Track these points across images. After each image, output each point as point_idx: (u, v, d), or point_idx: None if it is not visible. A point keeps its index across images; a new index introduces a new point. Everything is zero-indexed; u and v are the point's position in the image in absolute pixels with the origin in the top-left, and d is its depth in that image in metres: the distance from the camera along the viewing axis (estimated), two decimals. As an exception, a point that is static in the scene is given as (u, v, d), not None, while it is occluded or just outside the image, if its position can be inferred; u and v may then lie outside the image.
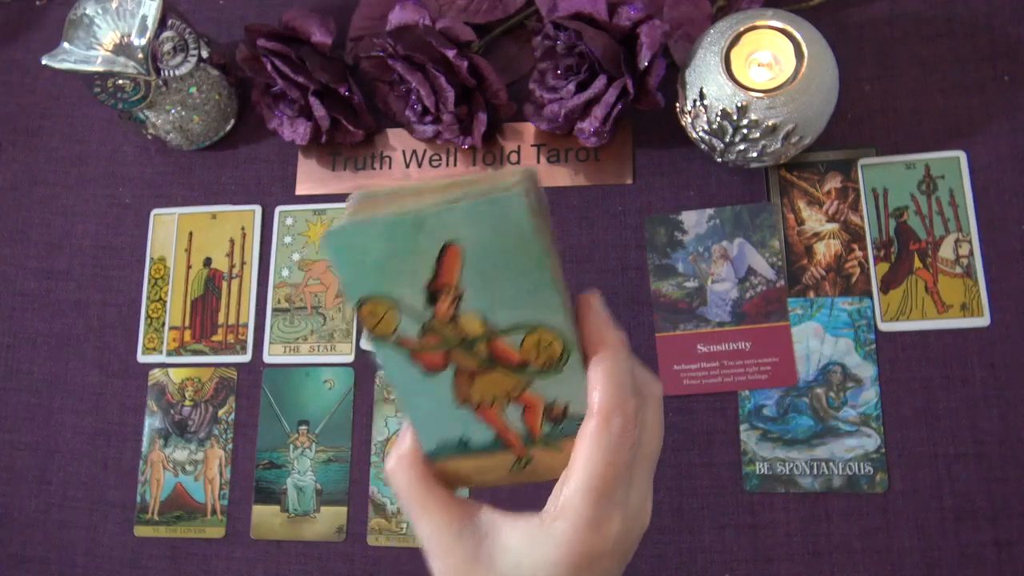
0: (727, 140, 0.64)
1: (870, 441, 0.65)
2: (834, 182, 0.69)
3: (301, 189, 0.77)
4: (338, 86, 0.71)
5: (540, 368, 0.35)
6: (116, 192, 0.79)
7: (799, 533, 0.64)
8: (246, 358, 0.74)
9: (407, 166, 0.76)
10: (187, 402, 0.74)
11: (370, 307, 0.34)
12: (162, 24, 0.70)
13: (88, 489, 0.73)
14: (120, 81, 0.70)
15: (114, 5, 0.69)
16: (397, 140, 0.76)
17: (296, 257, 0.75)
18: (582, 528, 0.35)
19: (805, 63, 0.61)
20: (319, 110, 0.71)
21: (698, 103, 0.64)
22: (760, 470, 0.65)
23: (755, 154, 0.65)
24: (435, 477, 0.39)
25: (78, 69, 0.68)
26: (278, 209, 0.76)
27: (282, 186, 0.77)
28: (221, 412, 0.73)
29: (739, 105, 0.62)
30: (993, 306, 0.65)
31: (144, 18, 0.69)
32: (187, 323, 0.75)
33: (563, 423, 0.37)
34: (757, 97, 0.61)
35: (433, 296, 0.34)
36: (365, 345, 0.72)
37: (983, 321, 0.65)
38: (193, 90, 0.73)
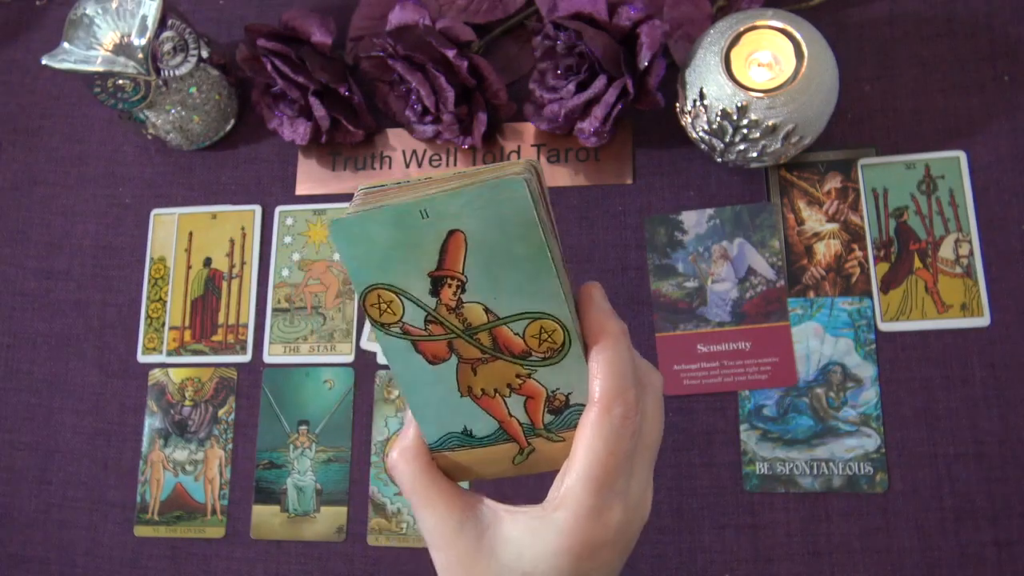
0: (727, 140, 0.64)
1: (870, 441, 0.65)
2: (834, 182, 0.69)
3: (301, 189, 0.77)
4: (338, 86, 0.71)
5: (542, 357, 0.36)
6: (116, 192, 0.79)
7: (799, 533, 0.64)
8: (246, 358, 0.74)
9: (407, 166, 0.76)
10: (187, 402, 0.74)
11: (375, 296, 0.34)
12: (162, 24, 0.70)
13: (88, 489, 0.73)
14: (120, 81, 0.70)
15: (114, 5, 0.69)
16: (397, 140, 0.76)
17: (296, 257, 0.75)
18: (583, 517, 0.35)
19: (805, 63, 0.61)
20: (319, 110, 0.71)
21: (698, 103, 0.64)
22: (760, 470, 0.65)
23: (755, 154, 0.65)
24: (438, 469, 0.39)
25: (78, 69, 0.68)
26: (278, 209, 0.76)
27: (282, 186, 0.77)
28: (221, 412, 0.73)
29: (739, 105, 0.62)
30: (993, 306, 0.65)
31: (144, 18, 0.69)
32: (187, 323, 0.75)
33: (565, 413, 0.37)
34: (757, 97, 0.61)
35: (437, 285, 0.34)
36: (365, 345, 0.72)
37: (983, 321, 0.65)
38: (193, 90, 0.73)
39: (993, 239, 0.66)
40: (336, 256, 0.74)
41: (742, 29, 0.62)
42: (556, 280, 0.34)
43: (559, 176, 0.73)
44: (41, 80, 0.83)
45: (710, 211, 0.70)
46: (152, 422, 0.74)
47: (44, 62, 0.68)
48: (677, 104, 0.68)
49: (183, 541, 0.71)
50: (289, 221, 0.76)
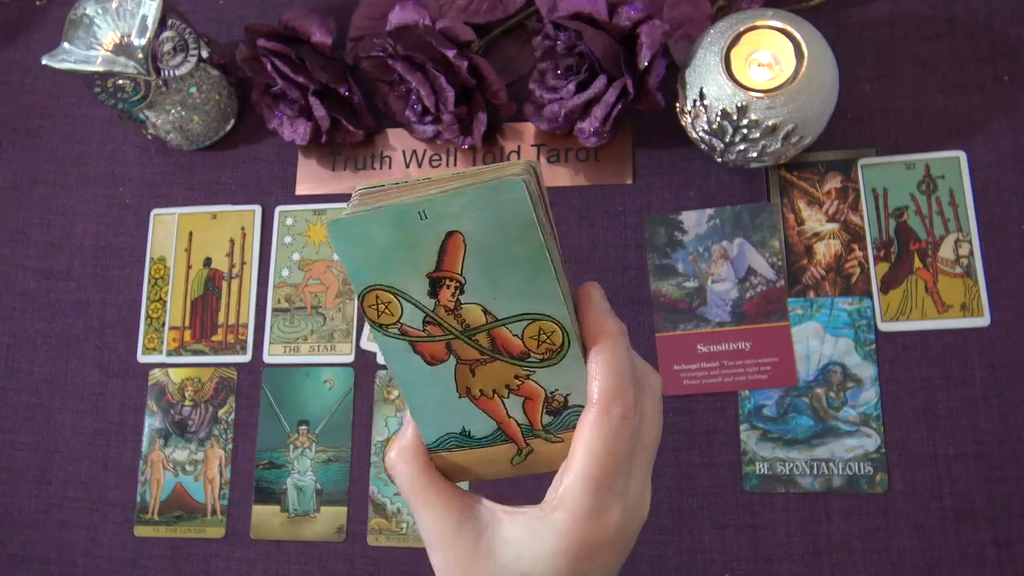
0: (727, 140, 0.64)
1: (870, 441, 0.65)
2: (834, 182, 0.69)
3: (301, 189, 0.77)
4: (338, 86, 0.71)
5: (541, 358, 0.36)
6: (116, 192, 0.79)
7: (799, 533, 0.64)
8: (246, 358, 0.74)
9: (407, 166, 0.76)
10: (187, 402, 0.74)
11: (373, 297, 0.34)
12: (162, 24, 0.70)
13: (88, 489, 0.73)
14: (120, 81, 0.70)
15: (114, 5, 0.69)
16: (397, 140, 0.76)
17: (296, 257, 0.75)
18: (582, 518, 0.35)
19: (805, 63, 0.61)
20: (319, 110, 0.71)
21: (698, 103, 0.64)
22: (760, 470, 0.65)
23: (755, 154, 0.65)
24: (436, 469, 0.39)
25: (78, 69, 0.68)
26: (278, 209, 0.76)
27: (282, 186, 0.77)
28: (221, 412, 0.73)
29: (739, 105, 0.62)
30: (993, 306, 0.65)
31: (144, 18, 0.69)
32: (187, 323, 0.75)
33: (563, 414, 0.37)
34: (757, 97, 0.61)
35: (436, 285, 0.34)
36: (365, 345, 0.72)
37: (983, 321, 0.65)
38: (193, 90, 0.73)
39: (993, 239, 0.66)
40: (336, 256, 0.74)
41: (742, 29, 0.62)
42: (555, 281, 0.34)
43: (559, 176, 0.73)
44: (41, 80, 0.83)
45: (710, 211, 0.70)
46: (152, 422, 0.74)
47: (44, 62, 0.68)
48: (677, 104, 0.68)
49: (183, 541, 0.71)
50: (289, 221, 0.76)
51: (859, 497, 0.64)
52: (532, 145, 0.74)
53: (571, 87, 0.68)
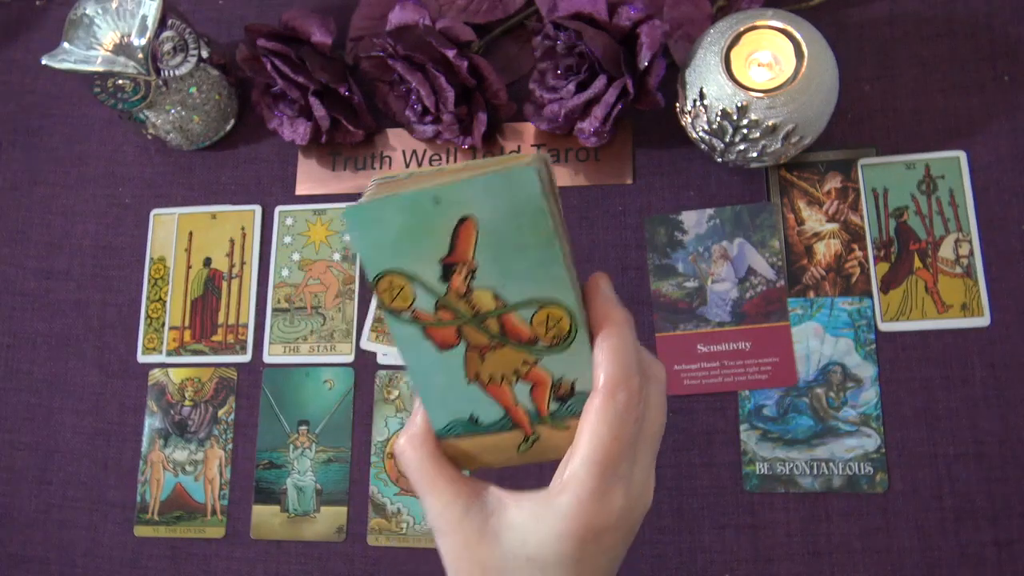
0: (727, 140, 0.64)
1: (870, 441, 0.65)
2: (834, 182, 0.69)
3: (301, 189, 0.77)
4: (338, 86, 0.71)
5: (549, 344, 0.37)
6: (116, 192, 0.79)
7: (799, 533, 0.64)
8: (246, 358, 0.74)
9: (407, 166, 0.76)
10: (187, 402, 0.74)
11: (387, 282, 0.35)
12: (162, 24, 0.70)
13: (88, 489, 0.73)
14: (120, 81, 0.70)
15: (114, 5, 0.69)
16: (397, 140, 0.76)
17: (296, 257, 0.75)
18: (587, 500, 0.36)
19: (805, 63, 0.61)
20: (319, 110, 0.71)
21: (698, 103, 0.64)
22: (760, 470, 0.65)
23: (755, 154, 0.65)
24: (444, 456, 0.39)
25: (78, 69, 0.68)
26: (278, 209, 0.76)
27: (282, 186, 0.77)
28: (221, 412, 0.73)
29: (739, 105, 0.62)
30: (993, 306, 0.65)
31: (144, 18, 0.69)
32: (187, 323, 0.75)
33: (570, 401, 0.38)
34: (757, 97, 0.61)
35: (448, 271, 0.35)
36: (365, 345, 0.72)
37: (983, 321, 0.65)
38: (193, 90, 0.73)
39: (993, 239, 0.66)
40: (336, 256, 0.75)
41: (742, 29, 0.62)
42: (563, 267, 0.35)
43: (559, 176, 0.73)
44: (41, 80, 0.83)
45: (710, 211, 0.70)
46: (152, 422, 0.74)
47: (44, 62, 0.68)
48: (677, 104, 0.68)
49: (183, 541, 0.71)
50: (289, 221, 0.76)
51: (859, 497, 0.64)
52: (532, 145, 0.74)
53: (571, 87, 0.68)
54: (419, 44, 0.68)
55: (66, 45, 0.69)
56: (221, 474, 0.72)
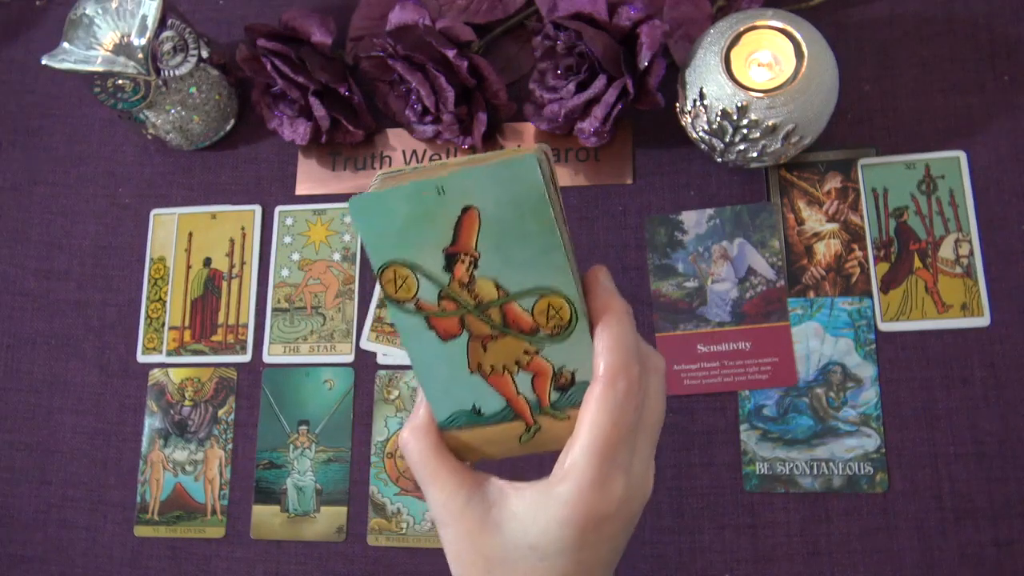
0: (727, 140, 0.64)
1: (870, 441, 0.65)
2: (834, 182, 0.69)
3: (301, 189, 0.77)
4: (338, 86, 0.71)
5: (550, 334, 0.37)
6: (116, 192, 0.79)
7: (799, 533, 0.64)
8: (246, 358, 0.74)
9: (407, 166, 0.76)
10: (187, 402, 0.74)
11: (391, 272, 0.36)
12: (162, 24, 0.70)
13: (88, 489, 0.73)
14: (120, 81, 0.70)
15: (114, 5, 0.69)
16: (397, 140, 0.76)
17: (296, 257, 0.75)
18: (587, 488, 0.36)
19: (805, 63, 0.61)
20: (319, 110, 0.71)
21: (698, 103, 0.64)
22: (760, 470, 0.65)
23: (755, 154, 0.65)
24: (447, 447, 0.40)
25: (78, 69, 0.68)
26: (278, 209, 0.76)
27: (282, 186, 0.77)
28: (221, 412, 0.73)
29: (739, 105, 0.62)
30: (993, 306, 0.65)
31: (144, 18, 0.69)
32: (187, 323, 0.75)
33: (570, 391, 0.38)
34: (757, 97, 0.61)
35: (451, 260, 0.36)
36: (365, 345, 0.72)
37: (983, 321, 0.65)
38: (193, 90, 0.73)
39: (993, 239, 0.66)
40: (336, 256, 0.75)
41: (742, 29, 0.62)
42: (564, 256, 0.35)
43: (559, 176, 0.73)
44: (41, 80, 0.83)
45: (710, 211, 0.70)
46: (152, 422, 0.74)
47: (44, 62, 0.68)
48: (677, 104, 0.68)
49: (183, 541, 0.71)
50: (289, 221, 0.76)
51: (859, 497, 0.64)
52: (532, 145, 0.74)
53: (571, 87, 0.68)
54: (419, 44, 0.68)
55: (66, 45, 0.69)
56: (221, 474, 0.72)
